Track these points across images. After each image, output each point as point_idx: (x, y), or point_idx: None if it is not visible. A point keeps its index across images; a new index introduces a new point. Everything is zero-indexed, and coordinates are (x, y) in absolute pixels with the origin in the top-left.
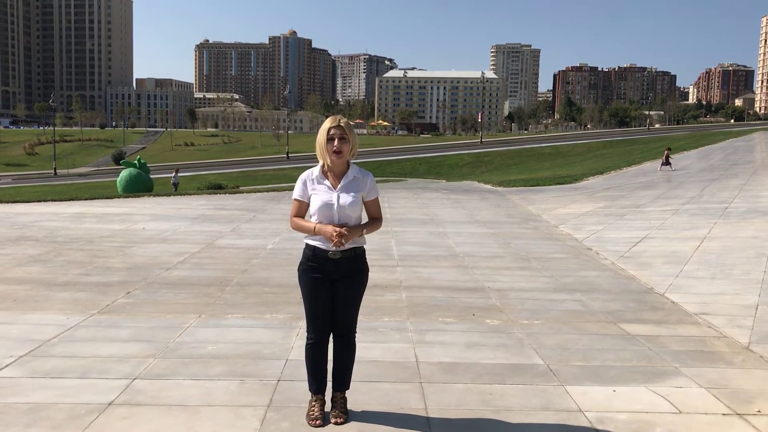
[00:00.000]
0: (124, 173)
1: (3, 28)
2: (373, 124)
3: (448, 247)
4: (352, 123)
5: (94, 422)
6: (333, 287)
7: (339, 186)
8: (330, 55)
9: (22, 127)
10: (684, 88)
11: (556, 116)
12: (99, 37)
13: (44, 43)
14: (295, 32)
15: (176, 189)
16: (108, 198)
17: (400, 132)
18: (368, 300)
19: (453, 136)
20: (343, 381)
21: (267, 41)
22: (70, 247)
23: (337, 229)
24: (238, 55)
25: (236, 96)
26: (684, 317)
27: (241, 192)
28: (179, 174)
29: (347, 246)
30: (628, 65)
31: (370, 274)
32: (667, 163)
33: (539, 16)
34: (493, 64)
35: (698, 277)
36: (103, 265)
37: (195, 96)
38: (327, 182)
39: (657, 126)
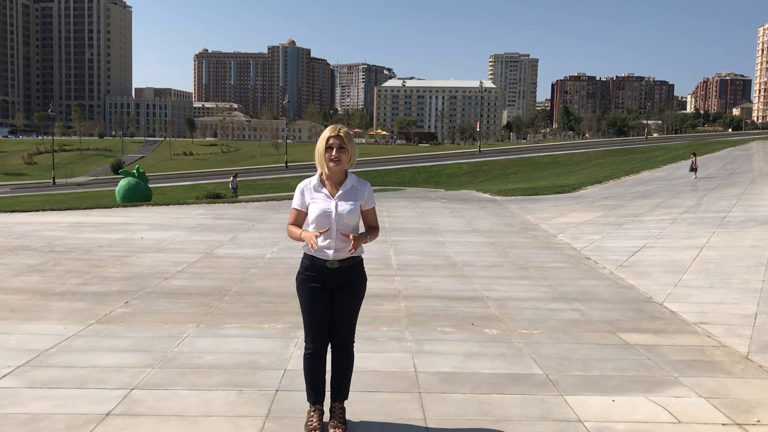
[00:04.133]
0: (123, 183)
1: (2, 38)
2: (371, 133)
3: (446, 257)
4: (351, 132)
5: None
6: (331, 297)
7: (337, 194)
8: (329, 64)
9: (20, 137)
10: (682, 98)
11: (555, 125)
12: (98, 46)
13: (43, 53)
14: (294, 42)
15: (236, 193)
16: (106, 207)
17: (398, 141)
18: (367, 309)
19: (451, 146)
20: (341, 391)
21: (266, 51)
22: (68, 257)
23: (316, 232)
24: (237, 64)
25: (235, 105)
26: (683, 326)
27: (240, 201)
28: (237, 179)
29: (345, 255)
30: (626, 75)
31: (368, 283)
32: (693, 168)
33: (537, 26)
34: (491, 74)
35: (697, 286)
36: (101, 275)
37: (194, 105)
38: (325, 191)
39: (655, 135)
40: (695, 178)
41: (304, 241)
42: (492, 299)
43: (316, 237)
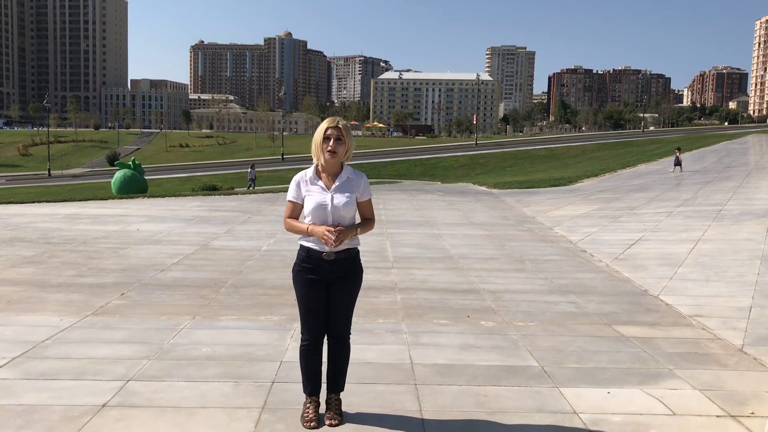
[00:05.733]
0: (119, 174)
1: None
2: (368, 125)
3: (443, 249)
4: (349, 125)
5: (88, 424)
6: (327, 289)
7: (333, 187)
8: (325, 56)
9: (15, 128)
10: (678, 91)
11: (551, 118)
12: (94, 37)
13: (39, 44)
14: (290, 33)
15: (254, 185)
16: (102, 199)
17: (395, 134)
18: (363, 302)
19: (448, 138)
20: (337, 383)
21: (262, 42)
22: (64, 249)
23: (330, 228)
24: (234, 56)
25: (231, 97)
26: (678, 319)
27: (236, 193)
28: (255, 169)
29: (341, 247)
30: (623, 68)
31: (364, 275)
32: (678, 163)
33: (534, 19)
34: (488, 66)
35: (692, 279)
36: (97, 267)
37: (190, 97)
38: (321, 183)
39: (651, 128)
40: (681, 171)
41: (312, 235)
42: (488, 292)
43: (329, 233)
